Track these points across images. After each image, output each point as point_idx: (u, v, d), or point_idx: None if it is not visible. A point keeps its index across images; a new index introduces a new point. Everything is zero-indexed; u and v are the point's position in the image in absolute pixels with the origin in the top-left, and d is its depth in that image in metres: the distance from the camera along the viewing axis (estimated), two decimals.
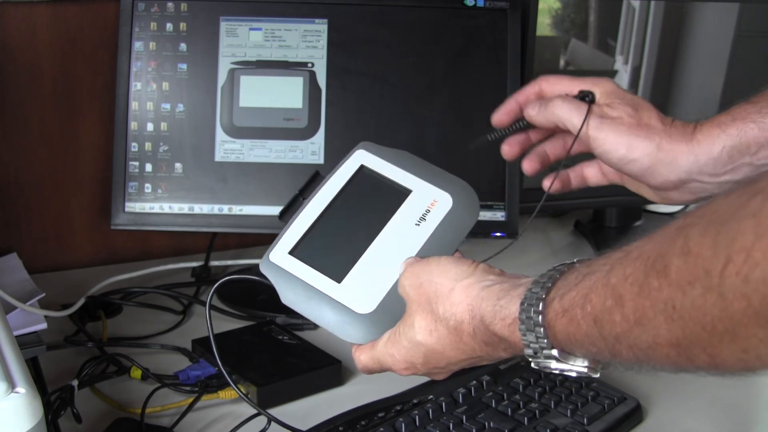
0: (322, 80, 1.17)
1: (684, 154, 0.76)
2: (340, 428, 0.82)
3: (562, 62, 1.31)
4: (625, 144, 0.76)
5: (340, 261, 0.71)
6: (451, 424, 0.83)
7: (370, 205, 0.75)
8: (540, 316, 0.58)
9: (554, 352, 0.59)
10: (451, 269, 0.66)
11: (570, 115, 0.78)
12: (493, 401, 0.87)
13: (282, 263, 0.72)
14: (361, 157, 0.78)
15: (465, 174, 1.22)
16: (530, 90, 0.84)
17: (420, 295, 0.67)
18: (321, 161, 1.16)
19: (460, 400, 0.87)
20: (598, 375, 0.61)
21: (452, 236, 0.73)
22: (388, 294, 0.70)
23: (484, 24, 1.18)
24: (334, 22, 1.17)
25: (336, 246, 0.73)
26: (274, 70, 1.16)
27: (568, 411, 0.86)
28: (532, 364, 0.61)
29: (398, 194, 0.75)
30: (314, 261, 0.72)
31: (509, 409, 0.86)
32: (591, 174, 0.87)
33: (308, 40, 1.16)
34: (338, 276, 0.71)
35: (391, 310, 0.69)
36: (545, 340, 0.59)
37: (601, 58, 1.34)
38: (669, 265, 0.48)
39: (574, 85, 0.81)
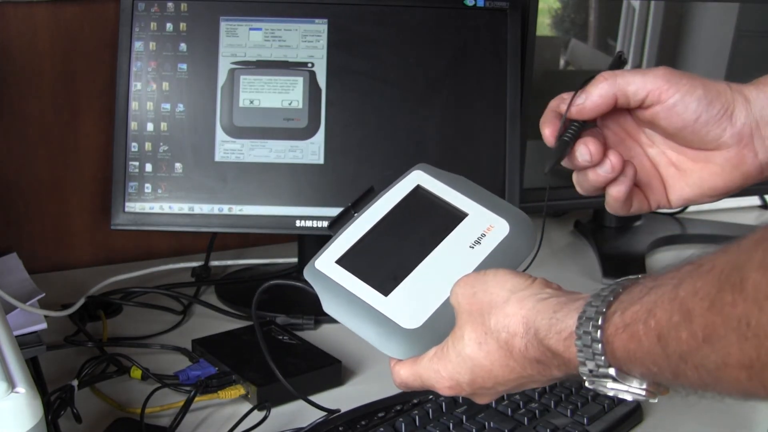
0: (322, 80, 1.17)
1: (753, 93, 0.68)
2: (340, 428, 0.82)
3: (562, 62, 1.31)
4: (697, 96, 0.67)
5: (389, 275, 0.70)
6: (451, 424, 0.83)
7: (423, 224, 0.74)
8: (599, 331, 0.54)
9: (611, 371, 0.55)
10: (508, 280, 0.63)
11: (631, 80, 0.68)
12: (493, 401, 0.87)
13: (327, 271, 0.70)
14: (418, 178, 0.76)
15: (465, 174, 1.22)
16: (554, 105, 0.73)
17: (472, 305, 0.63)
18: (321, 161, 1.16)
19: (460, 400, 0.87)
20: (655, 400, 0.56)
21: (507, 263, 0.70)
22: (436, 312, 0.68)
23: (484, 24, 1.18)
24: (334, 22, 1.17)
25: (385, 260, 0.71)
26: (274, 70, 1.16)
27: (568, 411, 0.86)
28: (586, 383, 0.57)
29: (454, 216, 0.73)
30: (361, 272, 0.70)
31: (509, 409, 0.86)
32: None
33: (308, 40, 1.16)
34: (385, 289, 0.69)
35: (438, 329, 0.66)
36: (602, 358, 0.54)
37: (601, 58, 1.33)
38: (745, 279, 0.44)
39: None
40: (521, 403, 0.87)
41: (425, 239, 0.72)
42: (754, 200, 1.59)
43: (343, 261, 0.71)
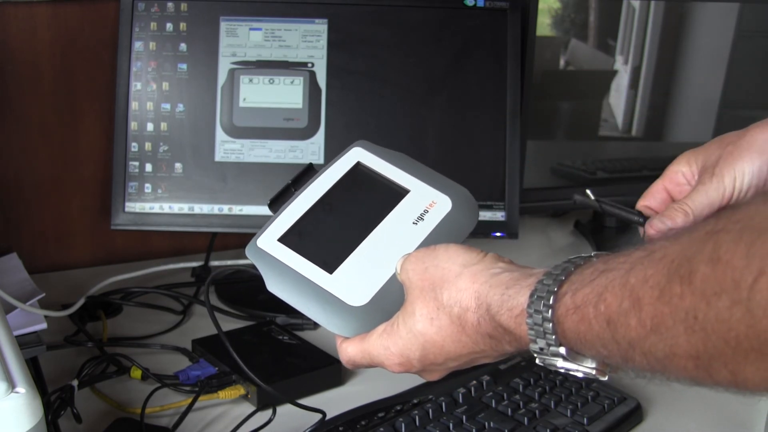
0: (322, 80, 1.17)
1: None
2: (340, 428, 0.82)
3: (562, 62, 1.31)
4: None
5: (332, 252, 0.69)
6: (451, 424, 0.83)
7: (365, 201, 0.73)
8: (549, 311, 0.54)
9: (561, 350, 0.55)
10: (460, 255, 0.63)
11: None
12: (493, 401, 0.87)
13: (270, 249, 0.70)
14: (358, 155, 0.76)
15: (465, 174, 1.22)
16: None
17: (424, 281, 0.63)
18: (321, 161, 1.16)
19: (460, 400, 0.87)
20: (605, 378, 0.57)
21: (451, 238, 0.70)
22: (383, 289, 0.67)
23: (484, 24, 1.18)
24: (334, 22, 1.17)
25: (328, 238, 0.71)
26: (274, 70, 1.16)
27: (568, 411, 0.86)
28: (537, 361, 0.57)
29: (395, 193, 0.73)
30: (305, 250, 0.69)
31: (509, 409, 0.86)
32: None
33: (308, 40, 1.16)
34: (330, 267, 0.68)
35: (385, 306, 0.66)
36: (553, 337, 0.55)
37: (601, 58, 1.34)
38: (694, 271, 0.44)
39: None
40: (521, 403, 0.87)
41: (368, 216, 0.71)
42: None
43: (286, 239, 0.70)
